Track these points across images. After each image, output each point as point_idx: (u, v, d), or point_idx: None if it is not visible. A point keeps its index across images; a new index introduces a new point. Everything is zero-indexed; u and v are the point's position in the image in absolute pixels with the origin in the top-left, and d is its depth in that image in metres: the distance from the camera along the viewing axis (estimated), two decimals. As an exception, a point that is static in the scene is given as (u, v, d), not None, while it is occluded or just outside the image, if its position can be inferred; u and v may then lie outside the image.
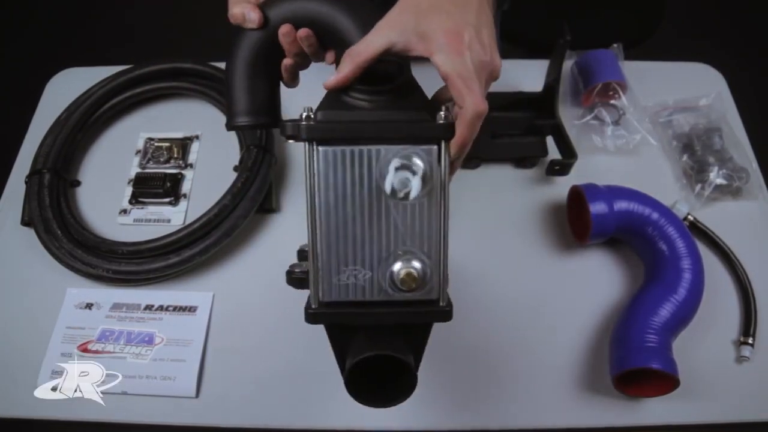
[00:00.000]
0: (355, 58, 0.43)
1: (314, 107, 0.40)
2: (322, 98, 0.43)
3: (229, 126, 0.53)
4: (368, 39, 0.44)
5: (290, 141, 0.43)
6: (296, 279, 0.44)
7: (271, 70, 0.52)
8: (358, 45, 0.44)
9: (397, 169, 0.32)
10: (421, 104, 0.43)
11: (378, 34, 0.44)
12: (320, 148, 0.38)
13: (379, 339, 0.40)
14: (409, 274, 0.39)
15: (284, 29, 0.49)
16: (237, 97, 0.52)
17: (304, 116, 0.39)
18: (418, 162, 0.35)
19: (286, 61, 0.52)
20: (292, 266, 0.45)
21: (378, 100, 0.41)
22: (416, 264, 0.40)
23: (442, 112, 0.39)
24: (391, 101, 0.41)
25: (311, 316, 0.41)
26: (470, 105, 0.42)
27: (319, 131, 0.38)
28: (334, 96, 0.43)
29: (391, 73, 0.43)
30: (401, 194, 0.32)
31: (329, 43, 0.52)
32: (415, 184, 0.32)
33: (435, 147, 0.38)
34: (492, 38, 0.46)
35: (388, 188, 0.32)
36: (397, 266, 0.40)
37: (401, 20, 0.44)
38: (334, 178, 0.39)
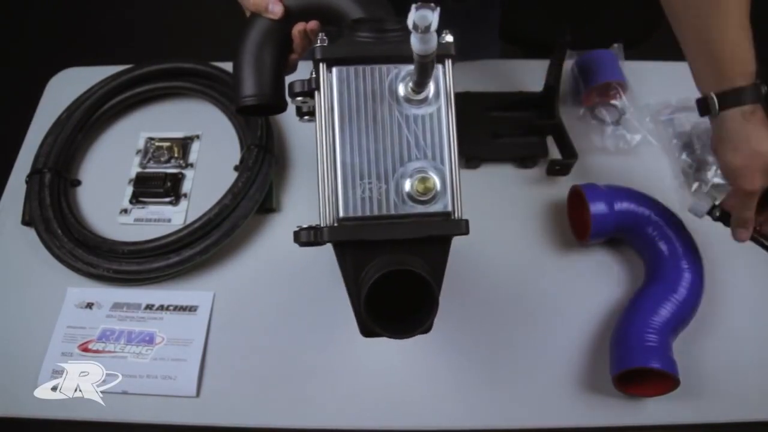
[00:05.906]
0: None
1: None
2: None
3: (237, 105, 0.54)
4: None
5: (296, 116, 0.44)
6: (304, 233, 0.45)
7: (279, 54, 0.54)
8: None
9: (417, 8, 0.33)
10: None
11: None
12: (334, 68, 0.43)
13: (398, 258, 0.41)
14: (423, 180, 0.42)
15: (299, 27, 0.51)
16: (245, 77, 0.53)
17: (318, 41, 0.43)
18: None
19: (293, 57, 0.54)
20: (300, 227, 0.46)
21: (386, 37, 0.44)
22: (430, 173, 0.42)
23: (443, 35, 0.43)
24: (397, 38, 0.44)
25: (331, 231, 0.42)
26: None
27: (331, 51, 0.43)
28: (345, 37, 0.46)
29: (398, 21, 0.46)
30: (422, 28, 0.33)
31: (332, 25, 0.54)
32: (435, 18, 0.33)
33: (440, 65, 0.43)
34: None
35: (410, 24, 0.33)
36: (411, 176, 0.42)
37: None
38: (348, 95, 0.42)
